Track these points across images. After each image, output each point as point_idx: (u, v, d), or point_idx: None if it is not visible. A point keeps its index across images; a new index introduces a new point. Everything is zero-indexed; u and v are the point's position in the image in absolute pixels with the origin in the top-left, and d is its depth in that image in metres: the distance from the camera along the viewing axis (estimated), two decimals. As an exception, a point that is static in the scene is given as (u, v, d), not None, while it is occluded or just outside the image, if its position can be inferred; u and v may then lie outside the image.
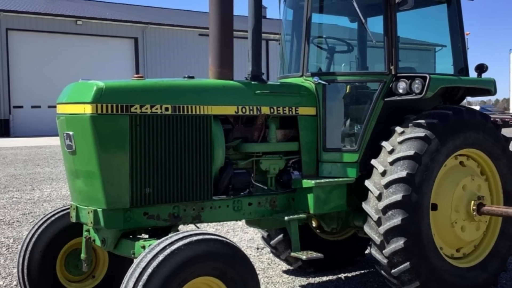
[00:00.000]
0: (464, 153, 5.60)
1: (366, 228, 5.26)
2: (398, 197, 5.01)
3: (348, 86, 5.71)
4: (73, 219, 4.76)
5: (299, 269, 6.55)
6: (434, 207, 5.32)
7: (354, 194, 5.51)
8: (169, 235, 4.07)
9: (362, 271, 6.60)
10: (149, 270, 3.75)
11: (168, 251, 3.84)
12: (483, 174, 5.80)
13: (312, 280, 6.29)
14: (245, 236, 8.36)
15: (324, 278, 6.34)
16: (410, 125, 5.30)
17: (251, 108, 5.15)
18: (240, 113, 5.10)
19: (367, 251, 6.81)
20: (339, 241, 6.62)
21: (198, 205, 4.88)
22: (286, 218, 5.23)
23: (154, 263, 3.78)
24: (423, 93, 5.29)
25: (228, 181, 5.03)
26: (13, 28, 36.77)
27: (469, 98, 6.62)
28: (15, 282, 6.12)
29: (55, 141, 26.84)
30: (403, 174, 5.04)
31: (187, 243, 3.92)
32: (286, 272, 6.58)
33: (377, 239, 5.14)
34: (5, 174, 15.74)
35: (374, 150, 5.38)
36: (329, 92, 5.57)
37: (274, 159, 5.38)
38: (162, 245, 3.90)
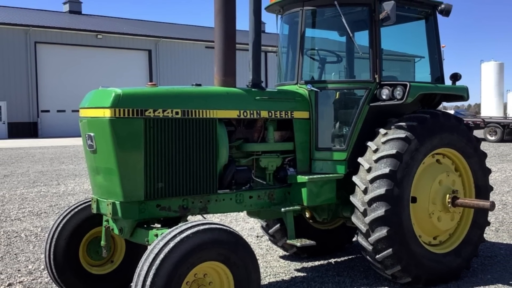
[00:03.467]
0: (440, 152, 5.60)
1: (353, 219, 5.27)
2: (381, 191, 5.02)
3: (337, 93, 5.71)
4: (94, 211, 4.76)
5: (294, 254, 6.55)
6: (414, 199, 5.33)
7: (343, 188, 5.51)
8: (179, 225, 4.07)
9: (350, 257, 6.60)
10: (161, 255, 3.76)
11: (178, 238, 3.85)
12: (457, 170, 5.80)
13: (305, 264, 6.29)
14: (246, 225, 8.36)
15: (316, 263, 6.34)
16: (392, 127, 5.30)
17: (251, 112, 5.15)
18: (242, 116, 5.10)
19: (354, 239, 6.81)
20: (329, 230, 6.62)
21: (205, 198, 4.88)
22: (282, 209, 5.23)
23: (166, 250, 3.78)
24: (404, 99, 5.30)
25: (231, 177, 5.03)
26: (41, 41, 36.80)
27: (444, 103, 6.61)
28: (42, 266, 6.12)
29: (78, 141, 26.86)
30: (386, 170, 5.04)
31: (195, 231, 3.92)
32: (283, 257, 6.58)
33: (363, 228, 5.14)
34: (34, 171, 15.75)
35: (360, 149, 5.38)
36: (321, 98, 5.57)
37: (272, 157, 5.38)
38: (173, 234, 3.90)
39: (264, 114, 5.24)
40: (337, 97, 5.71)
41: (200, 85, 5.11)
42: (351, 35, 5.60)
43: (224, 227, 4.10)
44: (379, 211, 5.01)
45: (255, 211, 5.53)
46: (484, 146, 7.01)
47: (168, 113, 4.57)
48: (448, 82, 6.13)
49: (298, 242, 5.15)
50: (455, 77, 6.08)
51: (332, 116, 5.67)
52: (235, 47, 5.16)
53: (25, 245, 7.17)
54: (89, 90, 4.86)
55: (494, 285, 5.45)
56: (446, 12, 5.94)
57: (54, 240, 4.94)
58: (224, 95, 5.03)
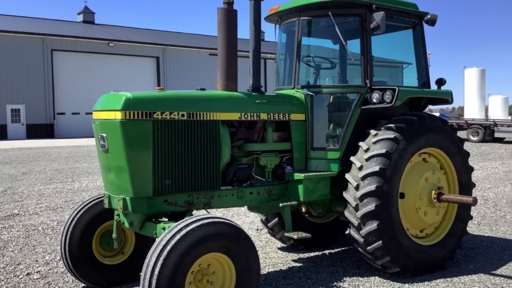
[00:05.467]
0: (426, 151, 5.60)
1: (346, 213, 5.26)
2: (372, 187, 5.02)
3: (331, 97, 5.70)
4: (106, 206, 4.76)
5: (291, 246, 6.55)
6: (402, 195, 5.33)
7: (336, 185, 5.51)
8: (185, 219, 4.07)
9: (342, 248, 6.60)
10: (168, 247, 3.76)
11: (184, 231, 3.85)
12: (442, 168, 5.81)
13: (302, 255, 6.29)
14: (247, 219, 8.35)
15: (312, 254, 6.34)
16: (382, 128, 5.30)
17: (252, 114, 5.15)
18: (243, 118, 5.09)
19: (347, 232, 6.81)
20: (324, 224, 6.62)
21: (209, 194, 4.88)
22: (280, 204, 5.23)
23: (173, 242, 3.78)
24: (393, 102, 5.30)
25: (233, 174, 5.02)
26: (57, 49, 36.78)
27: (430, 106, 6.59)
28: (58, 257, 6.13)
29: (91, 141, 26.89)
30: (376, 168, 5.04)
31: (199, 225, 3.92)
32: (281, 249, 6.58)
33: (355, 222, 5.14)
34: (50, 169, 15.74)
35: (352, 149, 5.38)
36: (316, 102, 5.57)
37: (271, 156, 5.38)
38: (179, 227, 3.90)
39: (263, 116, 5.24)
40: (331, 100, 5.71)
41: (204, 89, 5.11)
42: (344, 43, 5.60)
43: (227, 221, 4.10)
44: (370, 206, 5.01)
45: (255, 206, 5.52)
46: (467, 146, 7.01)
47: (174, 115, 4.57)
48: (433, 86, 6.13)
49: (295, 235, 5.15)
50: (440, 82, 6.09)
51: (326, 118, 5.67)
52: (237, 54, 5.16)
53: (42, 238, 7.17)
54: (101, 94, 4.85)
55: (477, 275, 5.45)
56: (432, 22, 5.94)
57: (69, 233, 4.94)
58: (227, 99, 5.03)
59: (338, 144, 5.49)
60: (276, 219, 6.30)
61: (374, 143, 5.20)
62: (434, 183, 5.55)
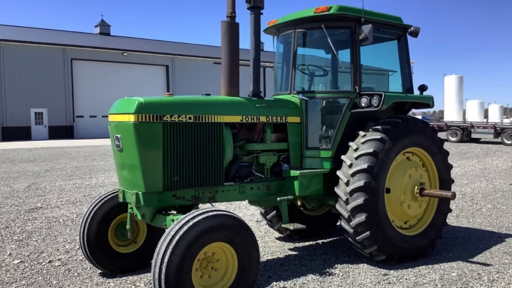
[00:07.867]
0: (410, 150, 5.60)
1: (337, 206, 5.26)
2: (361, 183, 5.02)
3: (324, 101, 5.71)
4: (121, 200, 4.76)
5: (288, 236, 6.55)
6: (388, 190, 5.33)
7: (329, 181, 5.51)
8: (192, 211, 4.07)
9: (334, 238, 6.60)
10: (177, 237, 3.76)
11: (191, 223, 3.85)
12: (424, 166, 5.80)
13: (297, 244, 6.28)
14: (247, 212, 8.35)
15: (306, 243, 6.34)
16: (370, 130, 5.30)
17: (252, 117, 5.15)
18: (244, 121, 5.09)
19: (338, 224, 6.81)
20: (317, 216, 6.62)
21: (213, 189, 4.88)
22: (278, 198, 5.23)
23: (181, 232, 3.78)
24: (380, 106, 5.30)
25: (235, 171, 5.03)
26: (76, 58, 36.79)
27: (413, 110, 6.60)
28: (77, 246, 6.13)
29: (107, 142, 26.87)
30: (365, 166, 5.04)
31: (205, 217, 3.92)
32: (278, 239, 6.58)
33: (346, 214, 5.14)
34: (70, 166, 15.74)
35: (343, 148, 5.39)
36: (310, 106, 5.57)
37: (269, 155, 5.38)
38: (186, 219, 3.90)
39: (262, 119, 5.23)
40: (323, 104, 5.71)
41: (209, 94, 5.10)
42: (335, 53, 5.60)
43: (229, 214, 4.10)
44: (359, 200, 5.01)
45: (255, 200, 5.52)
46: (446, 146, 7.00)
47: (182, 118, 4.57)
48: (416, 92, 6.13)
49: (291, 226, 5.15)
50: (423, 88, 6.09)
51: (319, 120, 5.66)
52: (238, 63, 5.16)
53: (63, 229, 7.17)
54: (116, 99, 4.85)
55: (455, 262, 5.45)
56: (415, 34, 5.94)
57: (87, 224, 4.95)
58: (229, 103, 5.03)
59: (330, 144, 5.49)
60: (274, 212, 6.30)
61: (363, 143, 5.20)
62: (417, 179, 5.55)
